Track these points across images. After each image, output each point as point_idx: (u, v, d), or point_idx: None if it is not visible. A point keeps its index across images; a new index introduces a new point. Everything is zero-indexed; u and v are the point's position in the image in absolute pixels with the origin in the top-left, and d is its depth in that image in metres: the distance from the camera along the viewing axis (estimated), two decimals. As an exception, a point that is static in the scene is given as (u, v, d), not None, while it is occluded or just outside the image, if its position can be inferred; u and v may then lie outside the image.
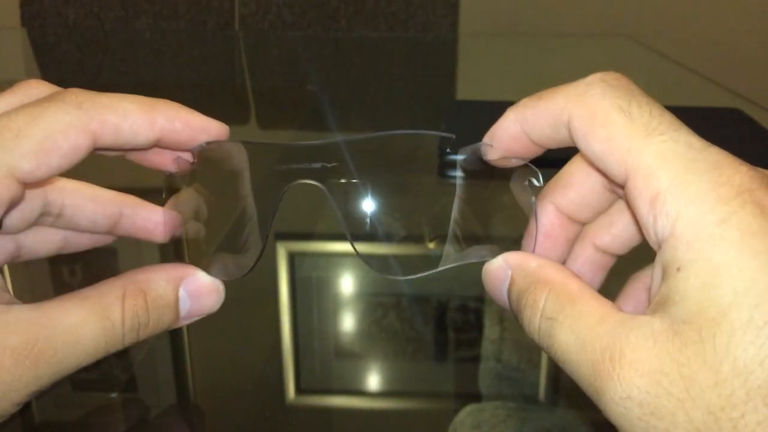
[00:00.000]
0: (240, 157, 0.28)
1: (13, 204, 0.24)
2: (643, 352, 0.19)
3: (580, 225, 0.28)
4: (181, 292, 0.26)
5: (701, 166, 0.20)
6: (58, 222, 0.30)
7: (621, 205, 0.27)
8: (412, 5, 1.45)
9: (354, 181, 0.28)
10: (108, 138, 0.25)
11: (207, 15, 1.45)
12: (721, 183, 0.20)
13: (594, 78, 0.23)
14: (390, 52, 1.23)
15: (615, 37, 1.44)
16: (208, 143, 0.28)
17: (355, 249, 0.28)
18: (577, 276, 0.24)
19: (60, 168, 0.24)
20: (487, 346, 0.38)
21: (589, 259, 0.28)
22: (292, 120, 0.82)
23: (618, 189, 0.26)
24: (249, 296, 0.43)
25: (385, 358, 0.38)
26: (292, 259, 0.47)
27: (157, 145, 0.27)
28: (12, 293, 0.25)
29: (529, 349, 0.38)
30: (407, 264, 0.29)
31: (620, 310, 0.22)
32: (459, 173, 0.29)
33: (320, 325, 0.41)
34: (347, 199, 0.28)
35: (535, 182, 0.27)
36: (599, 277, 0.28)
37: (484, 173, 0.29)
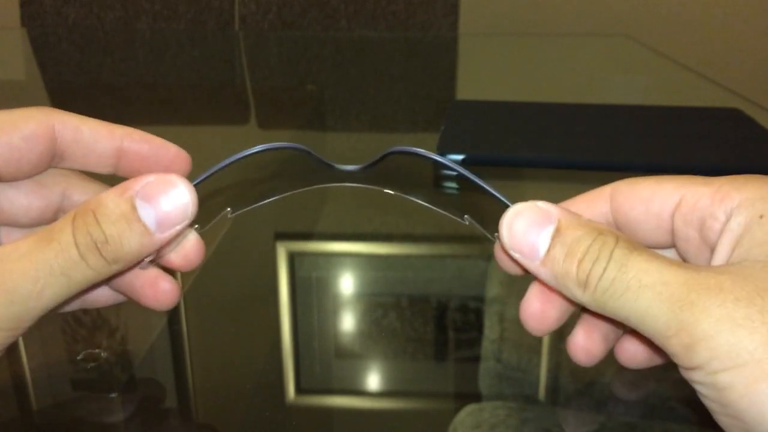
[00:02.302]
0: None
1: None
2: (745, 271, 0.21)
3: None
4: (138, 201, 0.24)
5: (745, 174, 0.24)
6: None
7: None
8: (412, 5, 1.45)
9: None
10: (68, 136, 0.27)
11: (207, 15, 1.45)
12: None
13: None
14: (390, 52, 1.23)
15: (615, 37, 1.44)
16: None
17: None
18: None
19: (22, 152, 0.27)
20: (487, 346, 0.38)
21: (599, 326, 0.28)
22: (292, 120, 0.82)
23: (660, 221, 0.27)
24: (249, 296, 0.43)
25: (385, 358, 0.38)
26: (292, 259, 0.47)
27: (120, 166, 0.29)
28: None
29: (529, 349, 0.38)
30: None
31: None
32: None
33: (320, 325, 0.41)
34: None
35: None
36: (604, 347, 0.28)
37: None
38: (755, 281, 0.20)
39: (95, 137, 0.28)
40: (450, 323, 0.41)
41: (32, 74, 1.06)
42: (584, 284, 0.22)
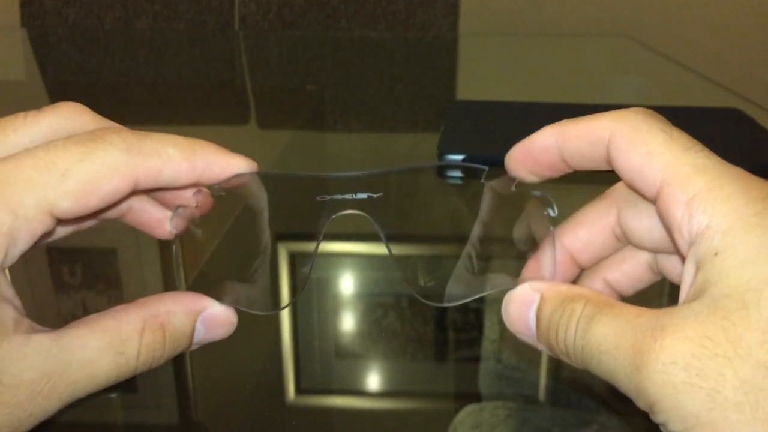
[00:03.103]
0: (261, 194, 0.29)
1: (44, 237, 0.25)
2: (686, 324, 0.21)
3: (579, 269, 0.29)
4: (197, 324, 0.27)
5: (733, 174, 0.23)
6: None
7: (631, 248, 0.29)
8: (412, 5, 1.45)
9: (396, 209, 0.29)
10: (148, 182, 0.26)
11: (207, 15, 1.45)
12: (752, 187, 0.22)
13: (636, 108, 0.26)
14: (390, 52, 1.23)
15: (615, 37, 1.44)
16: (235, 176, 0.28)
17: (405, 279, 0.29)
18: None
19: (96, 208, 0.25)
20: (487, 346, 0.38)
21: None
22: (292, 120, 0.82)
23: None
24: (249, 296, 0.43)
25: (385, 358, 0.38)
26: (293, 259, 0.47)
27: (194, 185, 0.28)
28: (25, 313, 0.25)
29: (530, 349, 0.38)
30: (440, 289, 0.30)
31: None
32: (484, 200, 0.30)
33: (320, 325, 0.41)
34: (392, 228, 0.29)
35: (551, 212, 0.28)
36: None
37: (506, 202, 0.30)
38: (694, 336, 0.20)
39: (175, 177, 0.27)
40: (450, 323, 0.41)
41: (32, 74, 1.06)
42: (565, 353, 0.24)
